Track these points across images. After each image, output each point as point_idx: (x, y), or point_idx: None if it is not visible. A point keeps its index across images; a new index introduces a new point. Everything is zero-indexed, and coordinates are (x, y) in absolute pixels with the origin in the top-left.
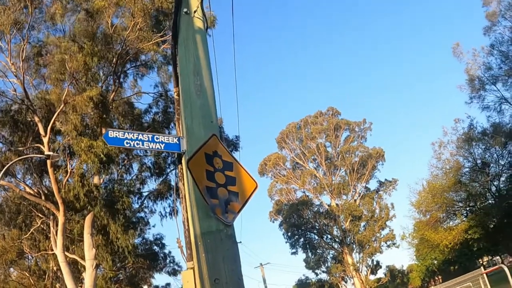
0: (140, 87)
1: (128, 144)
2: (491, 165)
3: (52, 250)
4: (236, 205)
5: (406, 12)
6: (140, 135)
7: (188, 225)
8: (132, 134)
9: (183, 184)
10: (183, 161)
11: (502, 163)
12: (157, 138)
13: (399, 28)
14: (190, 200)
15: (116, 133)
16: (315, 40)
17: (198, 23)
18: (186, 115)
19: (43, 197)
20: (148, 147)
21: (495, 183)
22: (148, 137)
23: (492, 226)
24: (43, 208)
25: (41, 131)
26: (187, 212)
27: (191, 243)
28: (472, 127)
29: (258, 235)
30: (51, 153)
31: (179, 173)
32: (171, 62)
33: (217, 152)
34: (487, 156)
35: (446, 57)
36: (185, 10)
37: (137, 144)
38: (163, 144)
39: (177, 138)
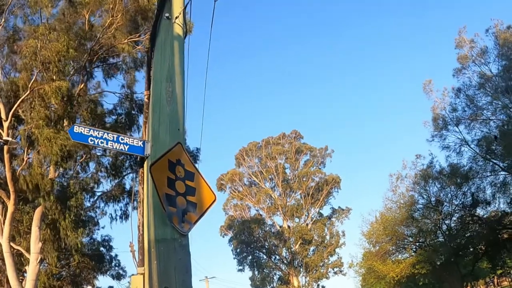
0: (106, 85)
1: (92, 142)
2: (445, 204)
3: None
4: (193, 216)
5: (379, 43)
6: (106, 134)
7: (143, 230)
8: (98, 132)
9: (143, 189)
10: (145, 165)
11: (456, 203)
12: (122, 139)
13: (371, 58)
14: (147, 206)
15: (81, 129)
16: (287, 63)
17: (178, 30)
18: (154, 119)
19: None
20: (112, 147)
21: (447, 222)
22: (113, 137)
23: (439, 263)
24: None
25: (3, 115)
26: (143, 216)
27: (143, 249)
28: (431, 164)
29: (205, 247)
30: (9, 139)
31: (140, 177)
32: (145, 64)
33: (180, 161)
34: (441, 195)
35: (416, 92)
36: (166, 15)
37: (101, 142)
38: (128, 146)
39: (142, 142)
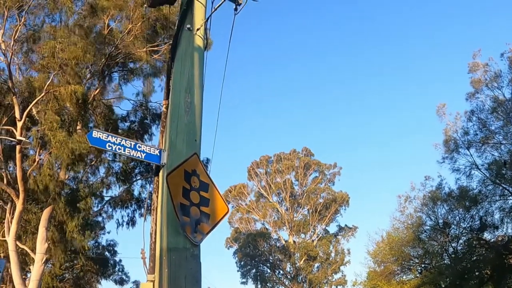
0: (122, 92)
1: (110, 148)
2: (452, 226)
3: (3, 236)
4: (206, 227)
5: (395, 66)
6: (123, 140)
7: (155, 238)
8: (115, 138)
9: (157, 197)
10: (160, 173)
11: (463, 226)
12: (139, 147)
13: (386, 80)
14: (161, 214)
15: (100, 134)
16: (305, 84)
17: (199, 41)
18: (172, 129)
19: (5, 181)
20: (128, 154)
21: (453, 244)
22: (131, 144)
23: (444, 286)
24: (2, 192)
25: (17, 115)
26: (156, 224)
27: (155, 256)
28: (440, 186)
29: (209, 258)
30: (23, 138)
31: (154, 185)
32: (162, 74)
33: (195, 171)
34: (449, 217)
35: (427, 115)
36: (188, 26)
37: (119, 149)
38: (144, 154)
39: (158, 150)
